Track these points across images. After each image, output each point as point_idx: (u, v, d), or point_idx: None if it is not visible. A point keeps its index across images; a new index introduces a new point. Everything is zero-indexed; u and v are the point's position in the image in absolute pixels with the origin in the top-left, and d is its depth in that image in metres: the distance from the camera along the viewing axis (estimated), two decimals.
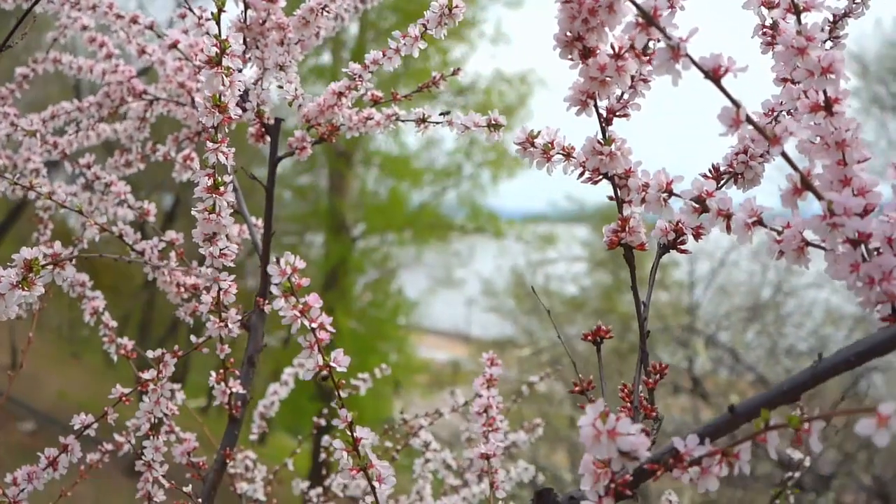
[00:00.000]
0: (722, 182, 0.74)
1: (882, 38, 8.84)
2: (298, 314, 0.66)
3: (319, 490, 1.44)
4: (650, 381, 0.66)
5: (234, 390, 1.04)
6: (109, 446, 1.17)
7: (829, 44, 0.76)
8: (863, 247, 0.56)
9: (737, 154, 0.74)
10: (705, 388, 6.53)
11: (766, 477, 6.36)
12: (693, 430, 0.57)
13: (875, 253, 0.55)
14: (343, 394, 0.71)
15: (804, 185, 0.55)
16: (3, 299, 0.73)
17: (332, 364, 0.68)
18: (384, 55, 0.96)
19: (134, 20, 1.15)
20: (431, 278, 12.78)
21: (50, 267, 0.69)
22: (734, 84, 0.56)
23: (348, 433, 0.70)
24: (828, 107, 0.57)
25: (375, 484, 0.69)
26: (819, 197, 0.54)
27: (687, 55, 0.54)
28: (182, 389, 1.35)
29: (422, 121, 1.00)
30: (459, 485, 1.42)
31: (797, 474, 1.14)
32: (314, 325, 0.67)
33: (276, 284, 0.66)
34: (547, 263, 11.05)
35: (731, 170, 0.74)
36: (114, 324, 1.15)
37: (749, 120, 0.54)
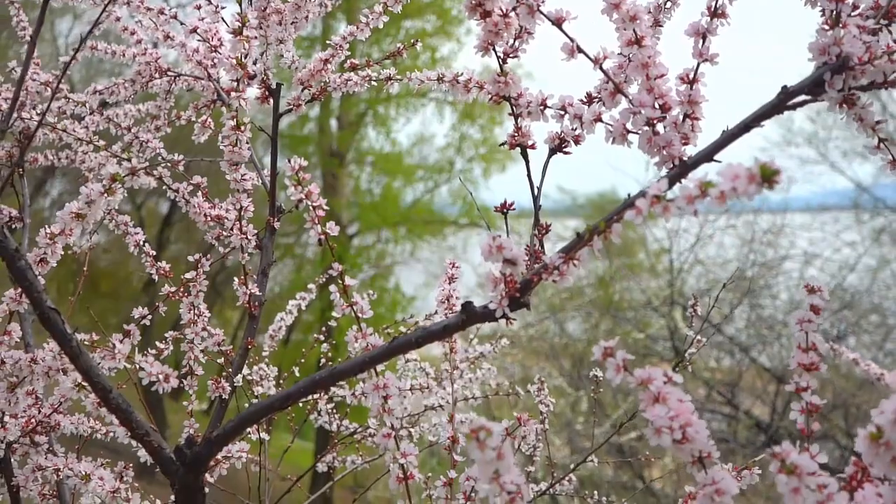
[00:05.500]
0: (594, 104, 1.05)
1: None
2: (304, 197, 0.98)
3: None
4: (539, 235, 0.98)
5: (252, 292, 1.35)
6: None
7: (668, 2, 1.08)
8: (661, 128, 0.88)
9: (604, 83, 1.05)
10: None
11: (748, 444, 6.70)
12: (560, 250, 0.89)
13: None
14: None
15: (616, 90, 0.87)
16: (93, 205, 1.04)
17: (328, 230, 0.99)
18: (357, 27, 1.28)
19: (161, 11, 1.47)
20: (427, 273, 13.09)
21: (129, 176, 1.00)
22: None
23: (340, 281, 1.01)
24: (637, 41, 0.89)
25: (359, 314, 1.01)
26: (625, 96, 0.86)
27: (539, 10, 0.85)
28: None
29: (388, 79, 1.32)
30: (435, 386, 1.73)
31: (692, 350, 1.46)
32: (315, 205, 0.99)
33: (288, 177, 0.98)
34: None
35: (599, 96, 1.05)
36: (153, 252, 1.46)
37: (579, 49, 0.86)
